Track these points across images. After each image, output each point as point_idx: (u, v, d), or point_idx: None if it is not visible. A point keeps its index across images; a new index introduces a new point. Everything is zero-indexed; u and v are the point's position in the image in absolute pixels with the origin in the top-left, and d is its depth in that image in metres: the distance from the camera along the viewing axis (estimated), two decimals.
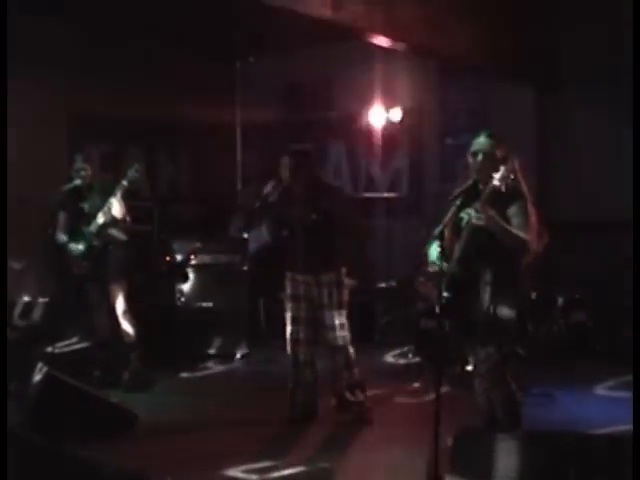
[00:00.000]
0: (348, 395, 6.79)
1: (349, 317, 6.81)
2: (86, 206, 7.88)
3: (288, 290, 6.83)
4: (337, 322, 6.66)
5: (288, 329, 6.82)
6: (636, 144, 4.81)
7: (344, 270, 6.73)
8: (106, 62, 10.44)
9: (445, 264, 5.08)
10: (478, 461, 4.15)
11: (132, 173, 7.76)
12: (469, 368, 5.55)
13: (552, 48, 9.39)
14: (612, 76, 8.98)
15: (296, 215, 6.68)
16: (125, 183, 7.70)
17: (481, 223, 5.03)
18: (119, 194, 7.69)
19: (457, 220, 5.23)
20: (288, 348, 6.83)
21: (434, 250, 5.25)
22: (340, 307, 6.69)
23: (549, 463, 4.04)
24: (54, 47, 9.87)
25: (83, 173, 7.92)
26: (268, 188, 6.73)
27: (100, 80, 10.46)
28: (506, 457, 4.15)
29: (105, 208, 7.69)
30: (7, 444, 4.30)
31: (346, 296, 6.76)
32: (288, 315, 6.82)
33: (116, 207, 7.71)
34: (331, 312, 6.65)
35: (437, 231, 5.13)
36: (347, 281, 6.80)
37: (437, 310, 5.05)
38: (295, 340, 6.79)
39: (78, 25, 9.96)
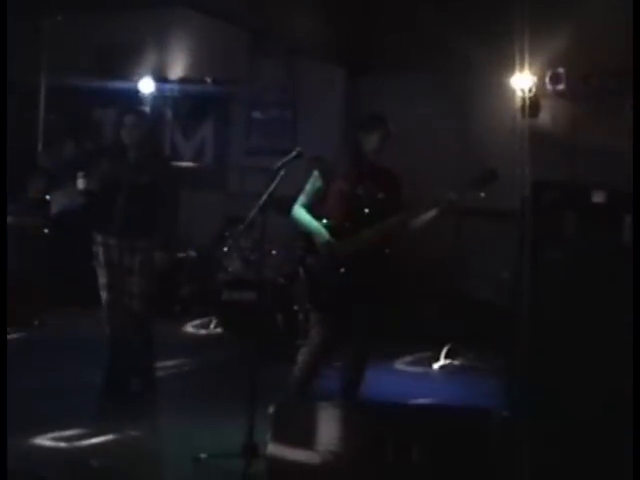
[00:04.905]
0: (143, 365, 6.69)
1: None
2: None
3: (101, 256, 6.52)
4: (146, 292, 6.51)
5: (104, 297, 6.53)
6: (636, 138, 5.08)
7: (160, 238, 6.52)
8: None
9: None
10: (299, 429, 4.32)
11: None
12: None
13: (365, 31, 9.59)
14: (426, 62, 9.19)
15: (128, 174, 6.42)
16: None
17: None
18: None
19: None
20: (104, 318, 6.55)
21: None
22: (151, 276, 6.53)
23: (367, 431, 4.28)
24: None
25: None
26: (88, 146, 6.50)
27: None
28: (326, 425, 4.34)
29: None
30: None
31: (157, 265, 6.53)
32: (103, 282, 6.52)
33: None
34: (141, 280, 6.47)
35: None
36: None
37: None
38: (113, 309, 6.52)
39: None
